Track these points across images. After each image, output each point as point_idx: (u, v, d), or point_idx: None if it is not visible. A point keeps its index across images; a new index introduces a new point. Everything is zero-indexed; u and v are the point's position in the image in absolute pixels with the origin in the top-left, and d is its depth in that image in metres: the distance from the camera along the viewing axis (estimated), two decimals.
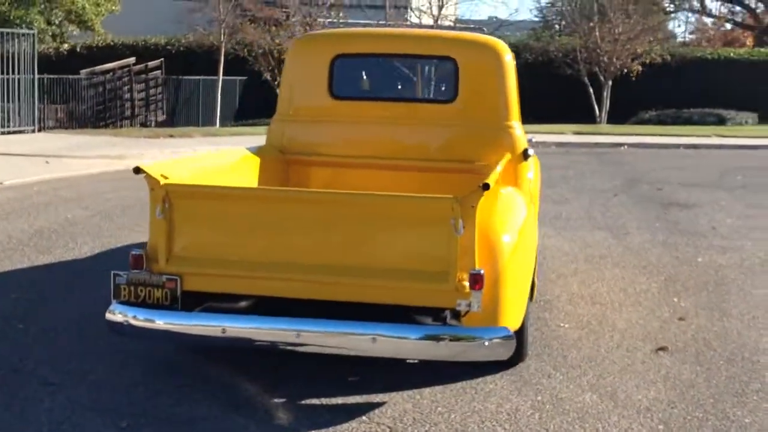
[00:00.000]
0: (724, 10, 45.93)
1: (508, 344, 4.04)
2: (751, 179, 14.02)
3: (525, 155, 5.91)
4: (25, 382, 4.62)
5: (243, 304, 4.53)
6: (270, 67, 24.14)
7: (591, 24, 26.60)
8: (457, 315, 4.22)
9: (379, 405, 4.41)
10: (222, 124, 24.78)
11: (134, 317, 4.25)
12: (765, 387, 4.79)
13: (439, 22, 25.86)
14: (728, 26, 46.82)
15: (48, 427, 4.08)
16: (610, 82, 26.21)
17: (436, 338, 4.05)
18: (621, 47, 25.75)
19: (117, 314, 4.29)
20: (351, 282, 4.21)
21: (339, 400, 4.47)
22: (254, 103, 24.52)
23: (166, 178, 4.30)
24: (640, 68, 25.76)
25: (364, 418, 4.25)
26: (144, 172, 4.25)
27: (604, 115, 26.13)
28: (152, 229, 4.31)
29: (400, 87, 6.63)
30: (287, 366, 4.86)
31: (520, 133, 5.95)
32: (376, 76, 6.63)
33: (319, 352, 4.24)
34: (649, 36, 26.59)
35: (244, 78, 26.65)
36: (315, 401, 4.45)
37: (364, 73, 6.47)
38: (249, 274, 4.29)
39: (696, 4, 44.66)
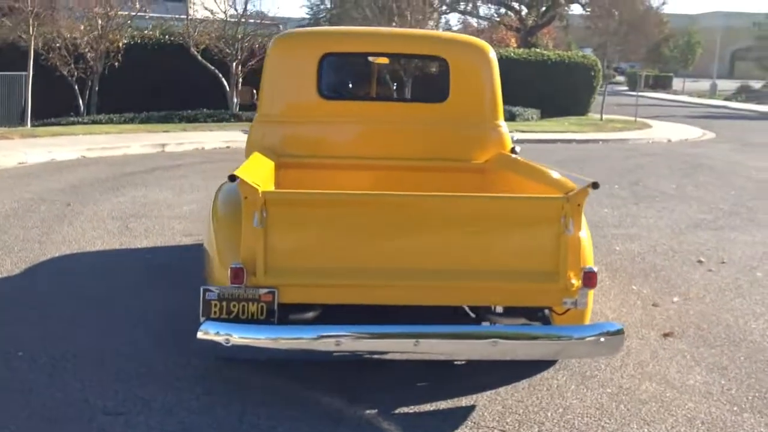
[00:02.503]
0: (491, 11, 48.44)
1: (620, 339, 4.17)
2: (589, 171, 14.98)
3: (513, 152, 6.07)
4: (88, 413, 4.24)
5: (310, 314, 4.39)
6: (68, 62, 22.68)
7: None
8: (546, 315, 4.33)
9: (471, 408, 4.41)
10: (19, 124, 23.07)
11: (234, 335, 3.98)
12: None
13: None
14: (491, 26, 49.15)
15: None
16: None
17: (562, 338, 4.10)
18: None
19: (212, 333, 4.01)
20: (455, 286, 4.17)
21: (429, 407, 4.42)
22: (49, 101, 22.86)
23: (258, 185, 4.08)
24: None
25: (468, 422, 4.24)
26: (240, 179, 4.02)
27: None
28: (248, 241, 4.06)
29: (389, 87, 6.57)
30: (351, 376, 4.74)
31: (506, 131, 6.11)
32: (365, 75, 6.55)
33: (432, 358, 4.18)
34: None
35: (26, 74, 24.81)
36: (406, 410, 4.38)
37: (353, 72, 6.38)
38: (350, 283, 4.15)
39: (468, 6, 46.78)
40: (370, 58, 6.34)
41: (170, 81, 21.90)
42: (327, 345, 3.99)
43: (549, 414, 4.37)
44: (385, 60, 6.57)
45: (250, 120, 20.59)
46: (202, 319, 4.10)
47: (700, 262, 7.87)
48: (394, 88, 6.51)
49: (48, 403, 4.29)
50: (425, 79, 6.13)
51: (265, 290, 4.07)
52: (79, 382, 4.57)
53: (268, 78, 6.01)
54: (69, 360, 4.89)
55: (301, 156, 5.89)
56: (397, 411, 4.35)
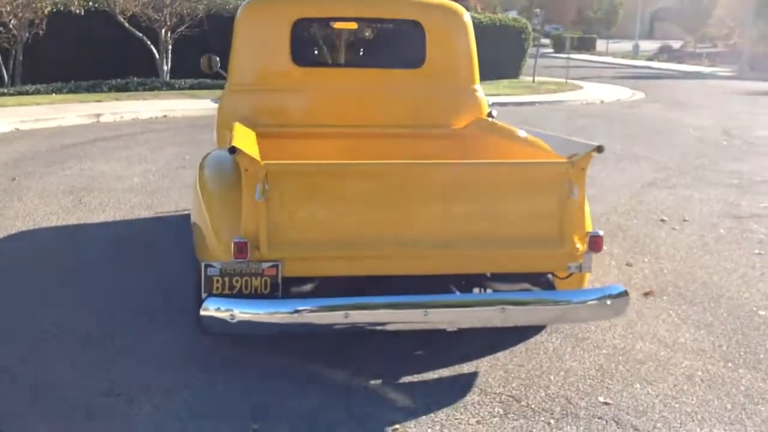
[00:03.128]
0: None
1: (625, 301, 4.18)
2: None
3: (490, 116, 6.04)
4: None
5: (308, 287, 4.30)
6: None
7: None
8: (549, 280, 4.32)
9: (474, 375, 4.39)
10: None
11: (240, 311, 3.87)
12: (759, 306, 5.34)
13: None
14: None
15: None
16: None
17: (571, 303, 4.09)
18: None
19: (216, 309, 3.89)
20: (460, 254, 4.12)
21: (433, 375, 4.38)
22: None
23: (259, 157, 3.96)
24: None
25: (475, 389, 4.22)
26: (240, 151, 3.89)
27: None
28: (249, 214, 3.93)
29: (364, 52, 6.45)
30: (347, 349, 4.67)
31: (483, 95, 6.07)
32: (340, 41, 6.42)
33: (439, 327, 4.13)
34: None
35: None
36: (411, 379, 4.33)
37: (327, 38, 6.24)
38: (353, 254, 4.05)
39: None
40: (335, 24, 6.20)
41: (97, 49, 21.28)
42: (336, 317, 3.90)
43: (552, 377, 4.37)
44: (352, 25, 6.43)
45: (184, 88, 20.29)
46: (203, 295, 3.97)
47: (662, 221, 7.98)
48: (369, 53, 6.37)
49: (39, 387, 4.12)
50: (400, 44, 6.00)
51: (269, 264, 3.96)
52: (66, 363, 4.40)
53: (239, 45, 5.84)
54: (50, 340, 4.71)
55: (277, 125, 5.75)
56: (402, 381, 4.30)
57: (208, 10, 22.40)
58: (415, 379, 4.32)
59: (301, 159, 5.22)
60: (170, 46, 21.91)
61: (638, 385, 4.30)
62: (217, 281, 3.96)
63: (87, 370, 4.32)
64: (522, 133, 5.69)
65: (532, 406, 4.03)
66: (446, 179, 4.12)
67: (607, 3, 58.51)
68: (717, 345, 4.87)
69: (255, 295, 3.98)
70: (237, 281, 3.97)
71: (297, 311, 3.89)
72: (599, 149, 4.10)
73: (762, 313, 5.43)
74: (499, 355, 4.63)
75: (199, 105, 17.96)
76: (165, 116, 16.34)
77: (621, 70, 38.01)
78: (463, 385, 4.26)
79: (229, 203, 4.25)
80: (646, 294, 5.74)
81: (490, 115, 6.05)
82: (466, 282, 4.67)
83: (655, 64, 43.89)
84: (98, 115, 15.72)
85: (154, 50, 21.70)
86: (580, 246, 4.14)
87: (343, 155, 5.52)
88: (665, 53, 49.02)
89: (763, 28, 44.27)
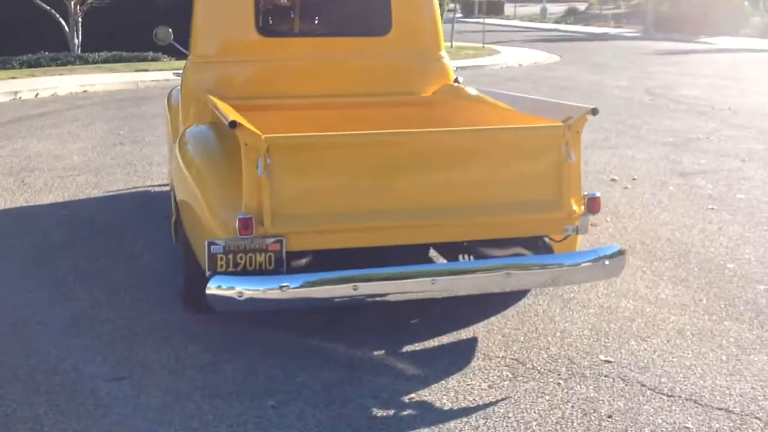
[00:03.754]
0: None
1: (622, 260, 4.25)
2: None
3: (456, 82, 6.05)
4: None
5: (303, 261, 4.27)
6: None
7: None
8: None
9: (474, 340, 4.43)
10: None
11: (248, 287, 3.81)
12: (726, 260, 5.52)
13: None
14: None
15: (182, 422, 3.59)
16: None
17: (573, 265, 4.14)
18: None
19: (223, 288, 3.82)
20: (461, 222, 4.12)
21: (434, 343, 4.40)
22: None
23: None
24: None
25: (479, 354, 4.26)
26: (240, 125, 3.81)
27: None
28: (250, 189, 3.86)
29: (329, 20, 6.35)
30: (341, 323, 4.66)
31: (448, 61, 6.07)
32: (304, 10, 6.31)
33: (445, 295, 4.15)
34: None
35: None
36: (413, 348, 4.34)
37: (292, 6, 6.12)
38: (356, 226, 4.02)
39: None
40: None
41: (2, 24, 20.52)
42: (345, 290, 3.88)
43: (549, 339, 4.43)
44: None
45: (98, 62, 19.70)
46: (207, 273, 3.90)
47: (613, 180, 8.14)
48: (335, 22, 6.28)
49: (35, 375, 3.99)
50: (366, 12, 5.93)
51: (273, 239, 3.90)
52: (58, 350, 4.28)
53: (202, 16, 5.69)
54: (34, 327, 4.56)
55: (243, 97, 5.63)
56: (405, 350, 4.31)
57: None
58: (417, 348, 4.33)
59: (273, 132, 5.15)
60: (80, 19, 21.25)
61: (633, 342, 4.40)
62: (221, 258, 3.89)
63: (82, 356, 4.21)
64: (490, 98, 5.74)
65: (538, 368, 4.09)
66: (446, 146, 4.11)
67: None
68: (697, 299, 5.00)
69: (259, 271, 3.92)
70: (241, 258, 3.90)
71: (305, 285, 3.85)
72: (594, 112, 4.15)
73: (730, 266, 5.60)
74: (493, 320, 4.68)
75: (118, 78, 17.54)
76: (85, 91, 15.90)
77: (531, 34, 38.44)
78: (466, 350, 4.29)
79: (224, 179, 4.18)
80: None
81: (456, 81, 6.05)
82: (452, 249, 4.70)
83: (562, 26, 44.53)
84: (16, 93, 15.19)
85: (64, 23, 21.03)
86: (577, 208, 4.19)
87: (315, 126, 5.42)
88: (572, 15, 49.75)
89: None
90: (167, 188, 7.50)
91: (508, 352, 4.27)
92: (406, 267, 3.99)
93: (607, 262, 4.17)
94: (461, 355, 4.25)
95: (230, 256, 3.89)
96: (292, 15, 6.29)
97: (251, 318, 4.56)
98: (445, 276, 4.00)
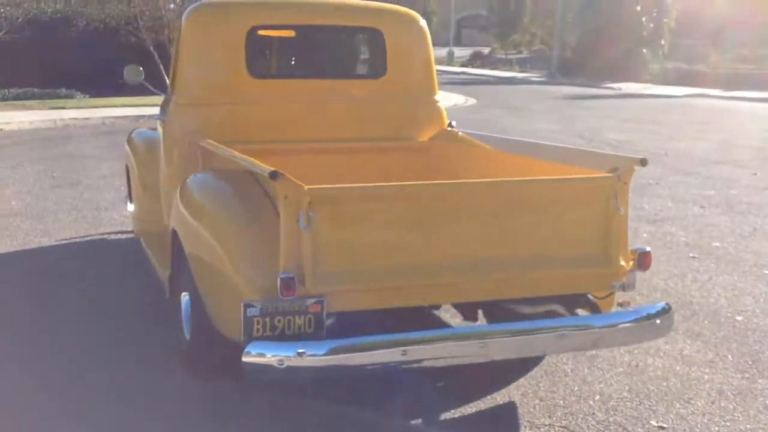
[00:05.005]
0: None
1: (671, 317, 4.03)
2: None
3: (450, 127, 5.83)
4: None
5: (329, 322, 3.92)
6: None
7: None
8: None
9: (512, 405, 4.15)
10: None
11: (291, 355, 3.43)
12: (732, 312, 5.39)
13: None
14: None
15: None
16: None
17: (629, 324, 3.89)
18: None
19: (262, 355, 3.44)
20: (508, 278, 3.85)
21: (471, 409, 4.10)
22: None
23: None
24: None
25: (523, 422, 3.97)
26: (283, 176, 3.47)
27: None
28: (291, 245, 3.50)
29: (323, 62, 6.02)
30: (361, 390, 4.29)
31: (442, 105, 5.84)
32: (296, 50, 5.97)
33: (496, 358, 3.85)
34: None
35: None
36: (450, 415, 4.03)
37: (283, 47, 5.79)
38: (398, 284, 3.70)
39: None
40: (291, 32, 5.77)
41: None
42: (393, 355, 3.54)
43: (591, 403, 4.18)
44: (290, 33, 6.01)
45: (9, 99, 18.81)
46: (242, 339, 3.51)
47: None
48: (328, 63, 5.97)
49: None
50: (359, 54, 5.65)
51: (313, 300, 3.54)
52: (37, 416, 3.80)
53: (187, 55, 5.32)
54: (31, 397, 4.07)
55: (233, 142, 5.26)
56: (443, 418, 3.99)
57: (26, 14, 21.03)
58: (456, 415, 4.02)
59: None
60: None
61: (678, 405, 4.18)
62: (258, 322, 3.51)
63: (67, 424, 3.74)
64: (491, 143, 5.53)
65: None
66: (498, 197, 3.84)
67: (419, 10, 59.64)
68: (722, 356, 4.83)
69: (298, 336, 3.55)
70: (279, 321, 3.53)
71: (353, 350, 3.51)
72: (643, 162, 3.95)
73: (739, 318, 5.48)
74: (523, 381, 4.40)
75: (34, 116, 16.84)
76: (1, 129, 15.09)
77: (441, 77, 38.54)
78: (508, 418, 4.01)
79: (250, 233, 3.82)
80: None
81: (450, 125, 5.82)
82: (474, 306, 4.42)
83: (470, 69, 45.13)
84: None
85: None
86: (625, 263, 3.96)
87: (311, 172, 5.11)
88: (478, 59, 50.54)
89: (568, 37, 46.52)
90: (125, 236, 7.05)
91: (554, 419, 3.99)
92: (456, 329, 3.71)
93: (658, 321, 3.95)
94: (505, 423, 3.97)
95: (267, 320, 3.52)
96: (284, 55, 5.96)
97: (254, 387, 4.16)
98: (497, 338, 3.70)
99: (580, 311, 4.12)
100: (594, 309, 4.07)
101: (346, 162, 5.27)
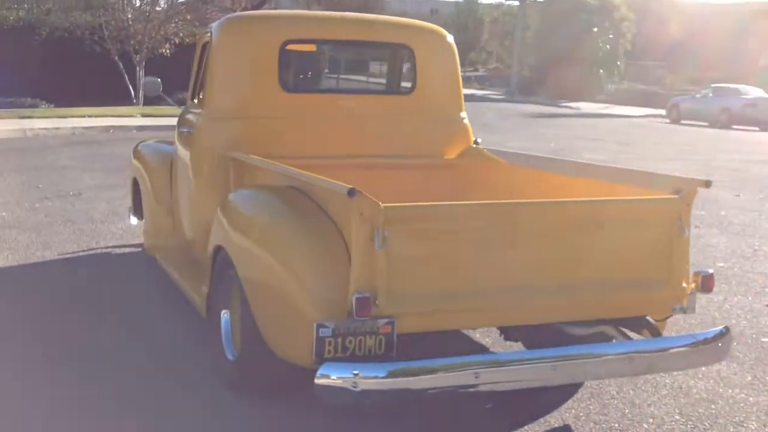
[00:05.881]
0: None
1: (730, 339, 4.02)
2: None
3: (476, 144, 5.80)
4: None
5: None
6: None
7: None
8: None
9: (568, 429, 4.09)
10: None
11: (367, 375, 3.35)
12: (757, 333, 5.42)
13: None
14: None
15: None
16: (144, 63, 25.34)
17: (693, 346, 3.87)
18: (154, 28, 25.14)
19: (336, 377, 3.35)
20: (576, 300, 3.81)
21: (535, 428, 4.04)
22: None
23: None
24: (168, 50, 25.29)
25: None
26: (360, 193, 3.39)
27: (141, 97, 25.21)
28: (364, 265, 3.43)
29: (354, 78, 5.95)
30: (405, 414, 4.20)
31: (468, 122, 5.81)
32: (327, 65, 5.89)
33: (563, 383, 3.80)
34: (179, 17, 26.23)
35: None
36: None
37: (315, 62, 5.71)
38: (472, 305, 3.65)
39: None
40: (324, 47, 5.71)
41: None
42: (467, 378, 3.47)
43: (646, 426, 4.14)
44: (311, 47, 5.94)
45: None
46: (313, 359, 3.42)
47: None
48: (358, 79, 5.91)
49: None
50: (389, 70, 5.59)
51: (384, 321, 3.47)
52: None
53: (220, 68, 5.22)
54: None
55: (268, 157, 5.16)
56: None
57: None
58: None
59: None
60: None
61: (731, 428, 4.16)
62: (330, 343, 3.43)
63: None
64: (518, 160, 5.51)
65: None
66: (572, 218, 3.80)
67: None
68: (760, 377, 4.84)
69: (369, 357, 3.48)
70: (350, 342, 3.46)
71: (428, 372, 3.44)
72: (707, 184, 3.95)
73: (765, 340, 5.50)
74: (571, 404, 4.35)
75: (4, 126, 16.54)
76: None
77: None
78: None
79: (315, 252, 3.71)
80: None
81: (475, 142, 5.79)
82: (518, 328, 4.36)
83: None
84: None
85: None
86: (686, 286, 3.95)
87: None
88: None
89: (527, 56, 47.06)
90: (130, 249, 6.90)
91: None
92: (528, 353, 3.65)
93: (720, 344, 3.94)
94: None
95: (339, 340, 3.44)
96: (315, 70, 5.88)
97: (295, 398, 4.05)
98: (569, 361, 3.65)
99: (632, 333, 4.08)
100: (654, 332, 4.03)
101: (376, 179, 5.18)
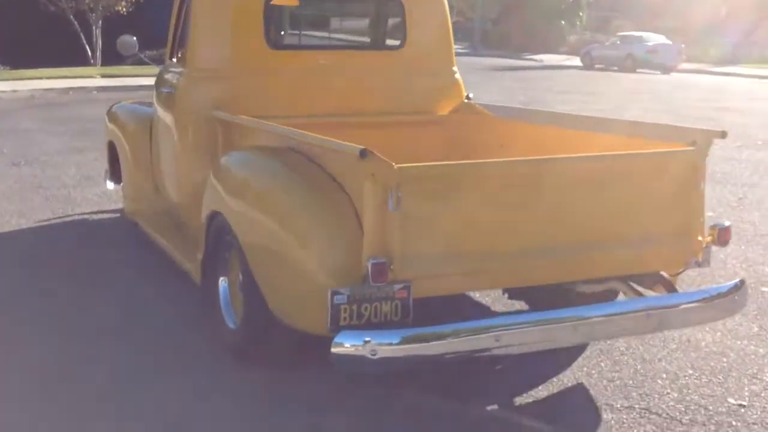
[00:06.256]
0: None
1: (746, 291, 3.93)
2: None
3: (467, 99, 5.65)
4: None
5: None
6: None
7: None
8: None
9: (583, 388, 4.00)
10: None
11: (382, 342, 3.21)
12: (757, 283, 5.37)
13: None
14: None
15: None
16: (100, 22, 24.69)
17: (712, 300, 3.77)
18: None
19: (352, 345, 3.21)
20: (593, 258, 3.69)
21: (542, 392, 3.93)
22: None
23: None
24: (124, 8, 24.64)
25: (601, 404, 3.82)
26: (373, 154, 3.23)
27: (99, 57, 24.63)
28: (379, 228, 3.27)
29: (342, 33, 5.73)
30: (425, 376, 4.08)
31: (460, 77, 5.64)
32: (314, 20, 5.66)
33: (583, 342, 3.69)
34: None
35: None
36: (524, 400, 3.86)
37: (301, 17, 5.48)
38: (487, 267, 3.51)
39: None
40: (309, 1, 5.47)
41: None
42: (487, 341, 3.35)
43: (660, 382, 4.05)
44: (294, 1, 5.69)
45: None
46: (328, 327, 3.27)
47: None
48: (347, 34, 5.70)
49: None
50: (378, 24, 5.37)
51: (400, 286, 3.32)
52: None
53: (202, 24, 4.99)
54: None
55: (255, 116, 4.96)
56: (518, 403, 3.83)
57: None
58: (529, 399, 3.86)
59: None
60: None
61: (745, 380, 4.10)
62: (345, 310, 3.28)
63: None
64: (511, 115, 5.38)
65: (678, 418, 3.69)
66: (591, 173, 3.67)
67: None
68: (766, 327, 4.79)
69: (385, 323, 3.33)
70: (366, 308, 3.31)
71: (447, 337, 3.31)
72: (723, 134, 3.83)
73: (764, 289, 5.45)
74: (581, 362, 4.25)
75: None
76: None
77: None
78: (584, 401, 3.86)
79: (323, 216, 3.54)
80: None
81: (467, 97, 5.63)
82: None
83: None
84: None
85: None
86: (702, 239, 3.84)
87: None
88: None
89: (489, 9, 46.79)
90: (108, 215, 6.70)
91: (631, 401, 3.85)
92: (548, 313, 3.51)
93: (736, 298, 3.85)
94: (583, 406, 3.81)
95: (354, 307, 3.29)
96: (303, 25, 5.65)
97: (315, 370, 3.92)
98: (590, 321, 3.53)
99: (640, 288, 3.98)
100: (668, 286, 3.92)
101: (368, 138, 5.01)
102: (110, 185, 6.73)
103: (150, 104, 6.29)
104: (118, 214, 6.75)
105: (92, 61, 24.48)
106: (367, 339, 3.19)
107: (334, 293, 3.25)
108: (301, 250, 3.52)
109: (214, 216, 4.19)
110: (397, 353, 3.23)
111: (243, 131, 4.54)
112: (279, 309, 3.64)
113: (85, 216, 6.85)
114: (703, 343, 4.54)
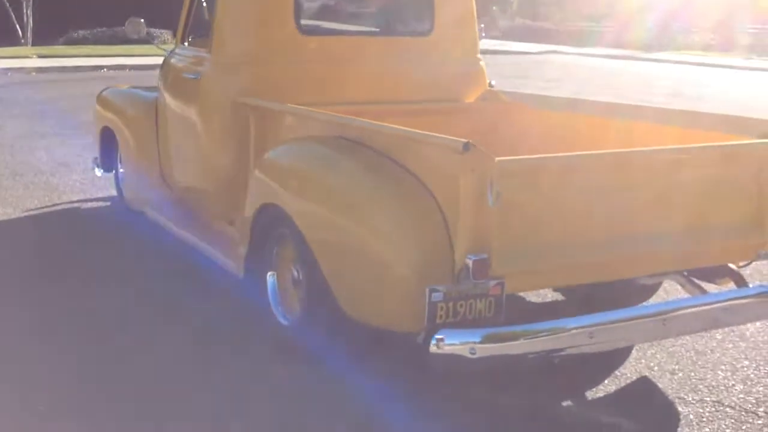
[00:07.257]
0: None
1: None
2: None
3: (490, 86, 5.58)
4: None
5: None
6: None
7: None
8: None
9: (648, 381, 3.96)
10: None
11: (486, 342, 3.12)
12: None
13: None
14: None
15: None
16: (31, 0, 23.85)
17: None
18: None
19: (453, 343, 3.10)
20: (679, 250, 3.67)
21: (611, 387, 3.87)
22: None
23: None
24: None
25: (672, 397, 3.78)
26: (475, 147, 3.11)
27: (30, 36, 23.78)
28: (478, 224, 3.16)
29: (372, 19, 5.57)
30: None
31: (484, 64, 5.56)
32: (345, 6, 5.49)
33: (675, 336, 3.66)
34: None
35: None
36: (593, 395, 3.80)
37: (331, 2, 5.32)
38: (580, 261, 3.45)
39: None
40: None
41: None
42: (581, 338, 3.28)
43: (720, 374, 4.00)
44: None
45: None
46: (425, 325, 3.16)
47: None
48: (376, 20, 5.55)
49: None
50: (407, 10, 5.22)
51: (495, 282, 3.22)
52: None
53: (229, 9, 4.80)
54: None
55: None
56: (590, 398, 3.77)
57: None
58: (600, 394, 3.80)
59: None
60: None
61: None
62: (441, 308, 3.16)
63: None
64: (537, 103, 5.33)
65: (753, 411, 3.66)
66: (678, 164, 3.61)
67: None
68: None
69: (479, 321, 3.23)
70: (461, 306, 3.20)
71: (546, 334, 3.24)
72: None
73: None
74: (636, 355, 4.20)
75: None
76: None
77: None
78: (653, 394, 3.82)
79: (404, 211, 3.42)
80: None
81: (490, 85, 5.55)
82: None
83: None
84: None
85: None
86: None
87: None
88: None
89: None
90: (97, 203, 6.46)
91: (701, 395, 3.81)
92: (637, 309, 3.48)
93: None
94: (657, 400, 3.77)
95: (450, 305, 3.18)
96: (332, 11, 5.48)
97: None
98: (677, 314, 3.49)
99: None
100: (737, 279, 3.91)
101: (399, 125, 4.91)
102: (99, 172, 6.47)
103: (147, 88, 6.08)
104: (109, 203, 6.49)
105: (23, 40, 23.63)
106: (465, 338, 3.08)
107: (432, 291, 3.12)
108: (386, 247, 3.39)
109: (264, 209, 4.02)
110: (496, 351, 3.13)
111: (287, 120, 4.36)
112: (353, 306, 3.50)
113: (74, 205, 6.57)
114: (748, 333, 4.54)
